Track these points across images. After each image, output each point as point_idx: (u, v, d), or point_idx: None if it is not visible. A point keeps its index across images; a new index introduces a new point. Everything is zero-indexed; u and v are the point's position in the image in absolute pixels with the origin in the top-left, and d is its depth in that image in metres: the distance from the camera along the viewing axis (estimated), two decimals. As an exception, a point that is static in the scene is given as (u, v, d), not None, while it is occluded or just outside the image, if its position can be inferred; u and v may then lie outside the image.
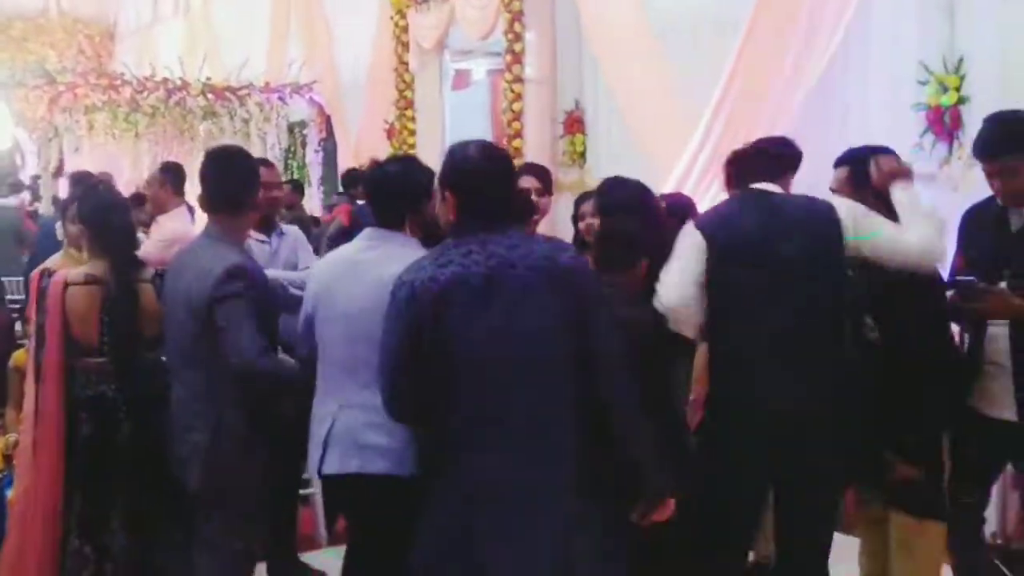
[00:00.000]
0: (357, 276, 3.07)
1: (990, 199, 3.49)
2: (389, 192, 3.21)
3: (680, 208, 4.08)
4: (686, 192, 5.29)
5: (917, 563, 3.36)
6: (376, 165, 3.62)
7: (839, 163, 3.53)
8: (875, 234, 3.10)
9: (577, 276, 2.65)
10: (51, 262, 4.19)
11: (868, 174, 3.36)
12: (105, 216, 3.78)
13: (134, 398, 3.62)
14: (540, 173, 4.39)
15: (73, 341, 3.57)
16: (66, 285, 3.57)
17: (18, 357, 4.26)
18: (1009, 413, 3.35)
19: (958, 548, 3.72)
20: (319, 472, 3.12)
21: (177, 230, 5.63)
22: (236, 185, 3.46)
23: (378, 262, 3.02)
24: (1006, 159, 3.23)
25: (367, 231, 3.29)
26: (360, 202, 4.84)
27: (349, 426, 3.02)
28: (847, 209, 3.16)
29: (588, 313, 2.61)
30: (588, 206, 4.00)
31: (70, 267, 3.94)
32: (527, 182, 4.07)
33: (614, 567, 2.78)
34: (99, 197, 4.05)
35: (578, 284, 2.63)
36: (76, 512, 3.59)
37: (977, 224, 3.59)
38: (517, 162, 5.16)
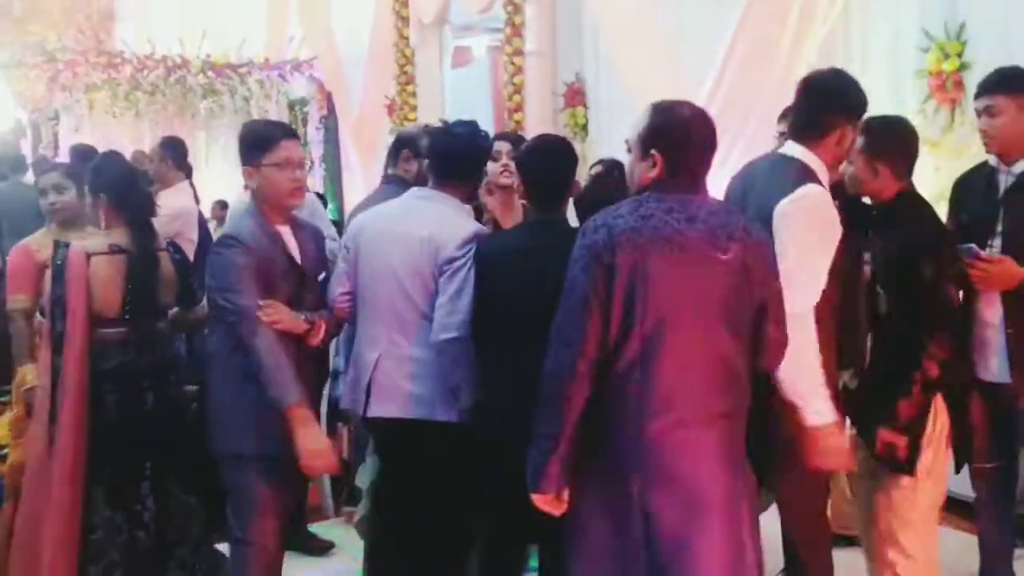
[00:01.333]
0: (404, 234, 3.25)
1: (982, 164, 3.58)
2: (459, 155, 3.39)
3: None
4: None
5: (908, 527, 3.37)
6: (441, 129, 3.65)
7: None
8: None
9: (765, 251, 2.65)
10: (33, 240, 4.14)
11: (880, 144, 3.34)
12: (126, 183, 3.81)
13: (155, 367, 3.69)
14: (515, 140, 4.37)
15: (92, 312, 3.58)
16: (88, 256, 3.58)
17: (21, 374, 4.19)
18: (1003, 376, 3.40)
19: (981, 523, 3.80)
20: (364, 415, 3.35)
21: (179, 205, 5.65)
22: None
23: (425, 222, 3.25)
24: (991, 96, 3.35)
25: (414, 190, 3.49)
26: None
27: (388, 373, 3.27)
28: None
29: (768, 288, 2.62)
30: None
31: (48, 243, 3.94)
32: (503, 148, 4.06)
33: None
34: (118, 166, 3.98)
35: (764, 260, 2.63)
36: (106, 483, 3.61)
37: (968, 187, 3.64)
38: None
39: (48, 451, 3.56)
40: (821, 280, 2.84)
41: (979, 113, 3.42)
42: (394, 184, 4.23)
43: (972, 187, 3.60)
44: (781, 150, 3.11)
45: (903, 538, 3.28)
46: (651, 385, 2.50)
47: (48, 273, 3.76)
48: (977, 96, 3.45)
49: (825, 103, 3.02)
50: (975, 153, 4.86)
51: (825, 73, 3.23)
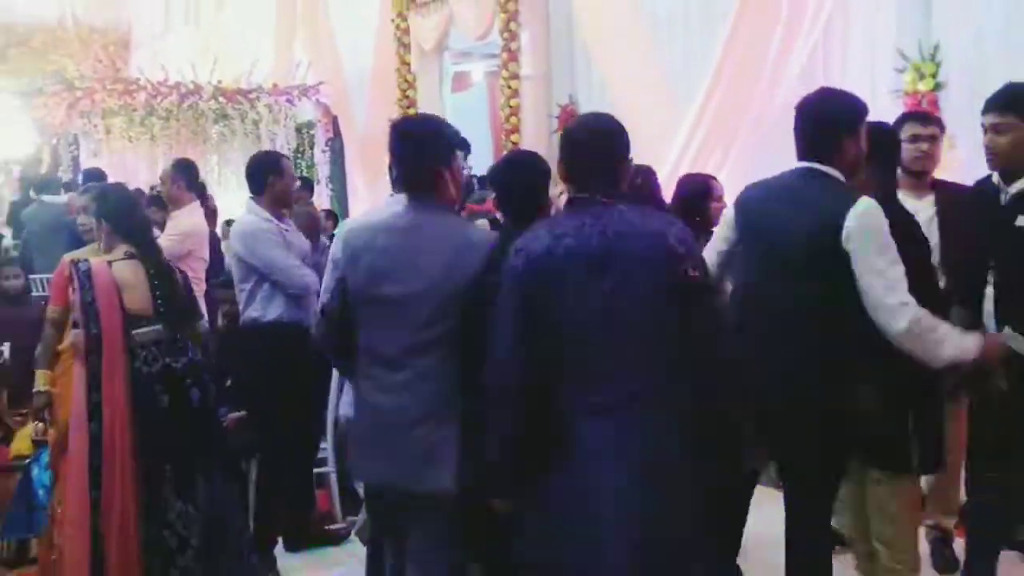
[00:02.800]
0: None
1: (989, 176, 3.47)
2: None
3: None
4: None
5: (895, 526, 3.36)
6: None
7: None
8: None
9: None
10: (72, 255, 4.23)
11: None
12: (126, 210, 3.91)
13: (193, 366, 3.76)
14: None
15: (127, 312, 3.63)
16: (109, 263, 3.65)
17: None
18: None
19: (970, 530, 3.72)
20: None
21: (191, 225, 5.66)
22: None
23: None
24: (1000, 114, 3.26)
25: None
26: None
27: None
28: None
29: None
30: None
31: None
32: None
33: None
34: (117, 194, 4.09)
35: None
36: (171, 478, 3.67)
37: (969, 206, 3.63)
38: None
39: (86, 447, 3.57)
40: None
41: (985, 129, 3.31)
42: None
43: (981, 198, 3.55)
44: (810, 165, 3.01)
45: (891, 536, 3.30)
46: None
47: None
48: (984, 112, 3.33)
49: (828, 125, 3.01)
50: (952, 168, 4.88)
51: (819, 95, 3.22)
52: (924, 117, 4.13)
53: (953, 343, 2.87)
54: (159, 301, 3.71)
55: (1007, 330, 3.30)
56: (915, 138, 3.88)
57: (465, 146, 4.30)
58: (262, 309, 4.35)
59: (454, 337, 2.79)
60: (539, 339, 2.49)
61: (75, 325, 3.68)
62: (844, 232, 2.79)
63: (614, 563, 2.44)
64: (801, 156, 3.05)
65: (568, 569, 2.52)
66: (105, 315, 3.59)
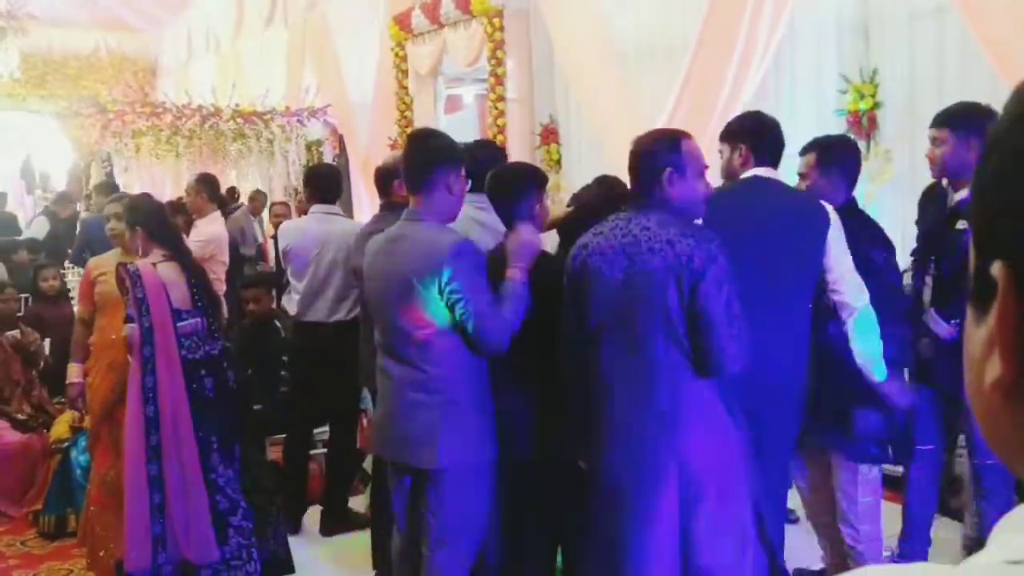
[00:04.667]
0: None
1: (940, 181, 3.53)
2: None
3: None
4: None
5: (857, 507, 3.37)
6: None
7: (806, 150, 3.44)
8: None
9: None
10: (95, 259, 4.24)
11: (833, 157, 3.36)
12: (157, 217, 3.95)
13: (226, 351, 3.84)
14: None
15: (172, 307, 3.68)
16: (153, 264, 3.67)
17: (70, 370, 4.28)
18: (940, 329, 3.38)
19: (909, 495, 3.74)
20: None
21: (213, 231, 5.67)
22: None
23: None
24: (933, 129, 3.34)
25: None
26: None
27: None
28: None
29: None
30: None
31: (113, 265, 3.98)
32: None
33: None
34: (146, 203, 4.10)
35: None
36: (217, 448, 3.71)
37: (927, 198, 3.67)
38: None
39: (142, 428, 3.58)
40: None
41: (930, 141, 3.38)
42: (395, 210, 4.17)
43: (931, 198, 3.62)
44: (763, 174, 3.14)
45: (855, 515, 3.31)
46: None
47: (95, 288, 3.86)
48: (929, 127, 3.40)
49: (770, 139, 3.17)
50: (887, 178, 4.92)
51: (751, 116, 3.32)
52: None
53: None
54: (196, 296, 3.74)
55: (932, 312, 3.36)
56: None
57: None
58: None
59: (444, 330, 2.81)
60: None
61: (128, 320, 3.69)
62: (832, 229, 2.98)
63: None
64: (759, 164, 3.18)
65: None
66: (155, 310, 3.60)
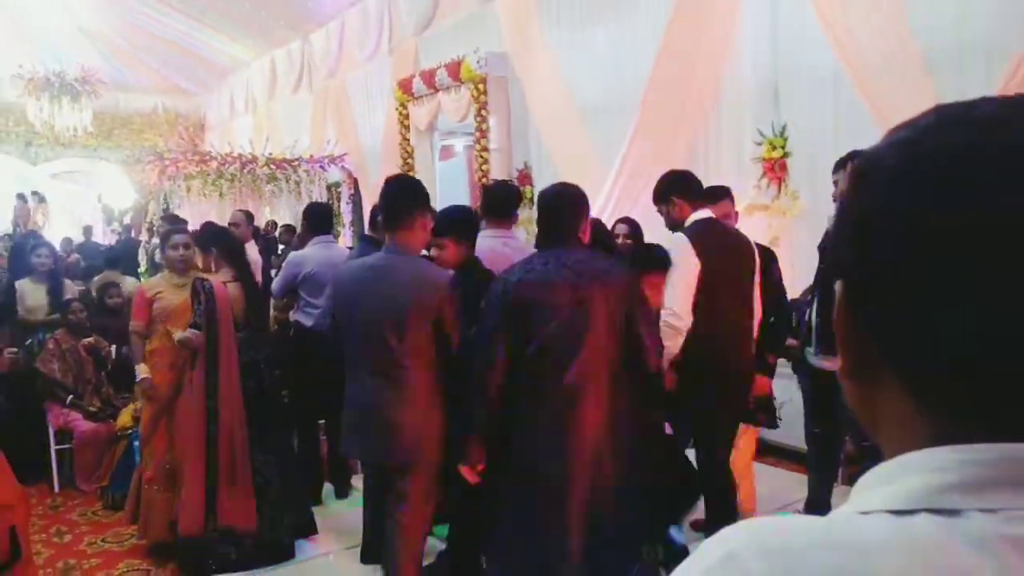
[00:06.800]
0: None
1: None
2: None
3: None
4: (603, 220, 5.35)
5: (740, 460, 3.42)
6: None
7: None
8: None
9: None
10: (147, 281, 4.19)
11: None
12: (227, 240, 3.95)
13: (267, 357, 3.82)
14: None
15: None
16: (224, 283, 3.64)
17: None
18: (816, 361, 3.42)
19: (809, 471, 3.78)
20: None
21: (252, 256, 5.65)
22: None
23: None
24: (836, 174, 3.36)
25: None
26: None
27: None
28: None
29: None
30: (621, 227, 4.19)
31: (167, 284, 3.93)
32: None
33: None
34: (219, 230, 4.10)
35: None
36: (255, 437, 3.67)
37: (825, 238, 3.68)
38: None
39: (204, 415, 3.57)
40: None
41: (834, 184, 3.38)
42: (371, 242, 4.02)
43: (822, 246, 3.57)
44: (703, 215, 3.19)
45: (744, 476, 3.38)
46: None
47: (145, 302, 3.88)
48: (833, 173, 3.40)
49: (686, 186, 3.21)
50: (795, 213, 4.96)
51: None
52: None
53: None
54: (250, 312, 3.70)
55: (809, 350, 3.38)
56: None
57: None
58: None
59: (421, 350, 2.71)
60: None
61: (195, 327, 3.60)
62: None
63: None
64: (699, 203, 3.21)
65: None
66: (223, 320, 3.58)
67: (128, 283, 6.04)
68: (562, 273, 2.45)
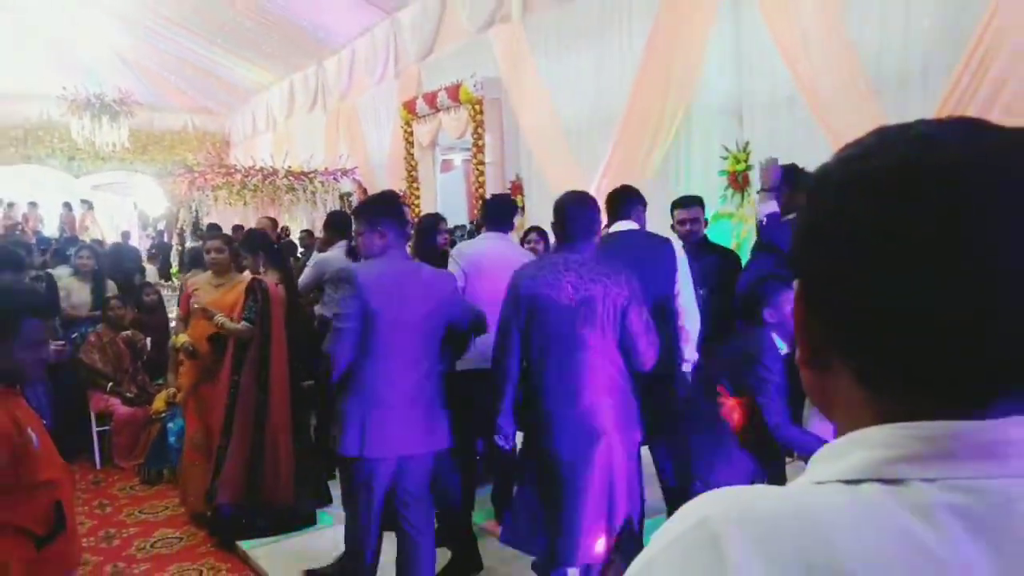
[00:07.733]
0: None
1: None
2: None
3: None
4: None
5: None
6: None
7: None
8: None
9: None
10: (199, 278, 4.11)
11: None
12: (270, 244, 3.92)
13: (298, 354, 3.75)
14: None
15: None
16: (276, 284, 3.63)
17: (175, 340, 4.17)
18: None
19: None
20: None
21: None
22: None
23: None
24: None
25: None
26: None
27: None
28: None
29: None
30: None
31: (205, 282, 3.91)
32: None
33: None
34: (263, 234, 4.07)
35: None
36: (297, 420, 3.67)
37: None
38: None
39: (255, 402, 3.53)
40: None
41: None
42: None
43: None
44: (625, 227, 3.13)
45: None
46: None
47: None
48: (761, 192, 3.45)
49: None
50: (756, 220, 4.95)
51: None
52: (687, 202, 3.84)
53: None
54: (290, 312, 3.66)
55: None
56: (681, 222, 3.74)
57: (441, 218, 4.24)
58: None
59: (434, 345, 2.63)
60: None
61: (248, 321, 3.53)
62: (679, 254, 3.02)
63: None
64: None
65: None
66: (276, 316, 3.55)
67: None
68: (567, 273, 2.44)
